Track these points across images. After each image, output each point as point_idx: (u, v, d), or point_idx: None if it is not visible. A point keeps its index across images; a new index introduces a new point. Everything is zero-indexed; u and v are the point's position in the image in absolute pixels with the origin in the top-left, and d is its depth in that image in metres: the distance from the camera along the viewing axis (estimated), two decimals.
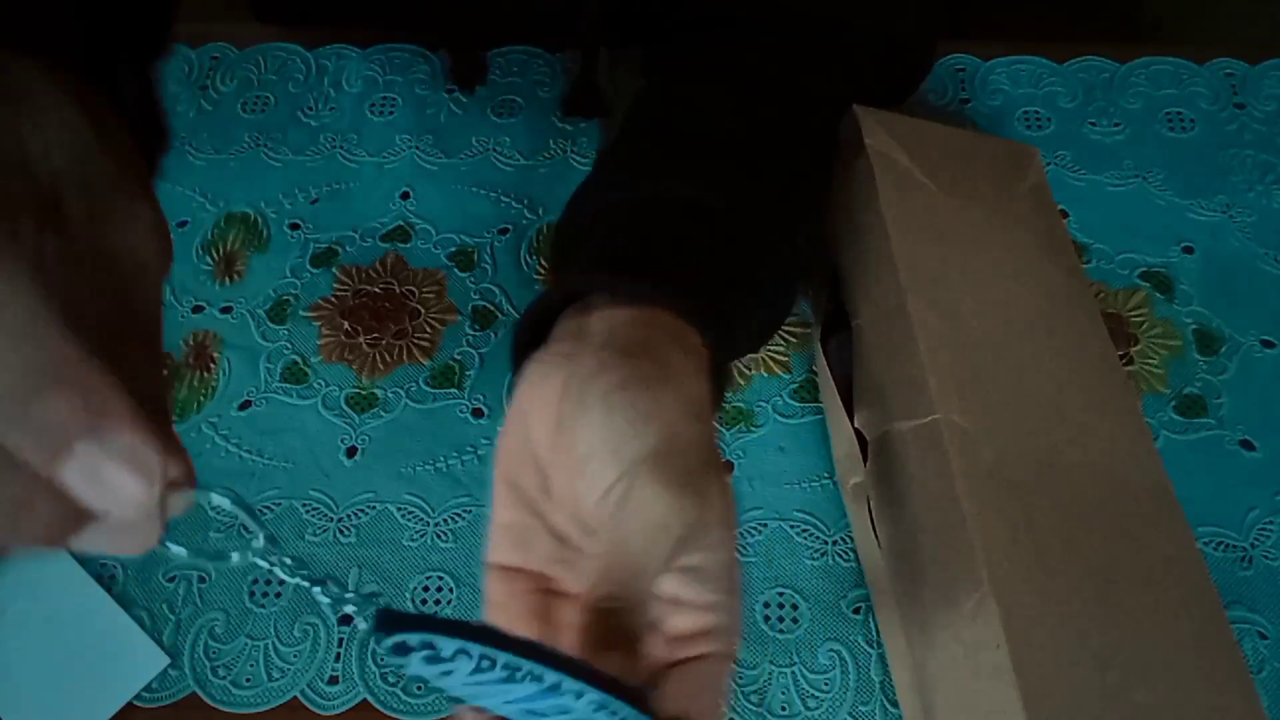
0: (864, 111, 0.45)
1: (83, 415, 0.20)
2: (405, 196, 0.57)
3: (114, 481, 0.20)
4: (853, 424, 0.43)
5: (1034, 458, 0.37)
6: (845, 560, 0.45)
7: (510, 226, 0.56)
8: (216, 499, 0.23)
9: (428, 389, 0.51)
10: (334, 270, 0.54)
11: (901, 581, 0.39)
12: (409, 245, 0.55)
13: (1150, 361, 0.50)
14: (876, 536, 0.42)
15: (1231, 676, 0.34)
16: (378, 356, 0.52)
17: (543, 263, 0.54)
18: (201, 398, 0.51)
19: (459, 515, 0.47)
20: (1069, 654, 0.33)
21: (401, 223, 0.56)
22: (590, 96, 0.57)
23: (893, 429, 0.39)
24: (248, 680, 0.44)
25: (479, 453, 0.49)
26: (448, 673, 0.23)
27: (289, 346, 0.52)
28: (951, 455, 0.36)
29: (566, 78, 0.60)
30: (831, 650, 0.44)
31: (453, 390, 0.51)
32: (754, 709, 0.42)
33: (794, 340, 0.51)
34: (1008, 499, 0.36)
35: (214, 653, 0.44)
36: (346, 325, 0.53)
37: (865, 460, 0.42)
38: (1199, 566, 0.37)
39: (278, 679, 0.44)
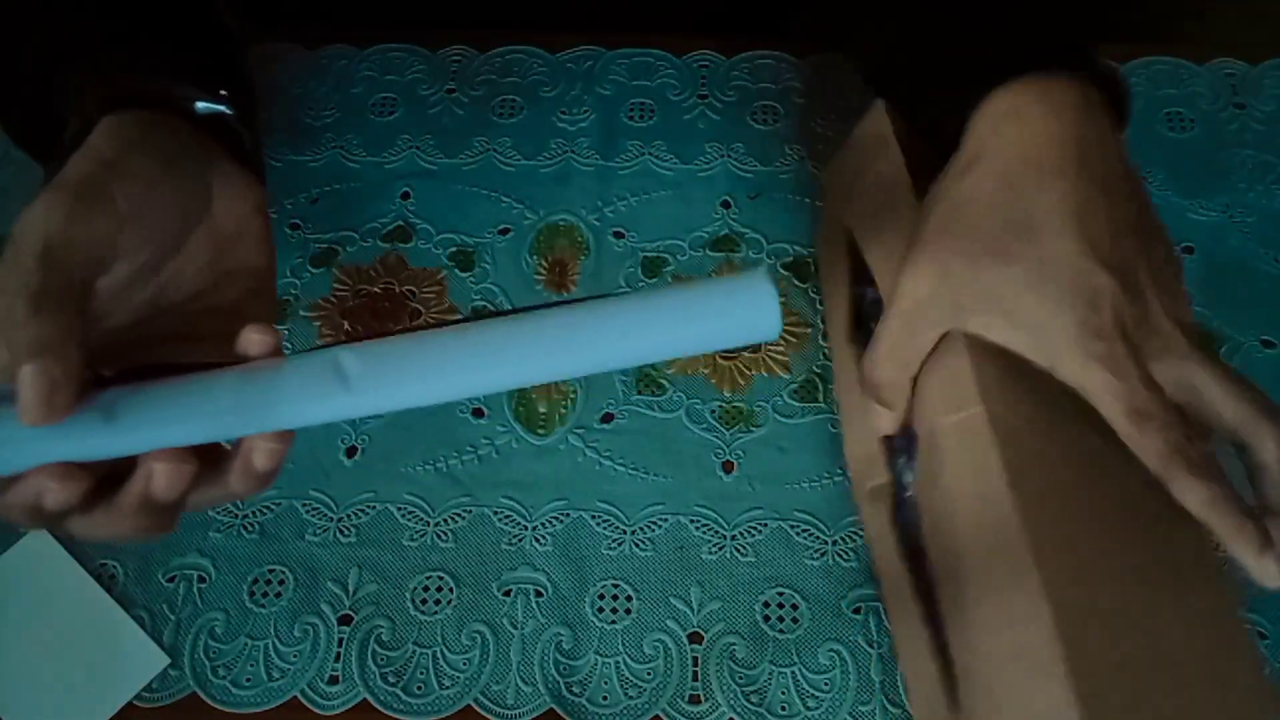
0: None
1: None
2: (405, 196, 0.57)
3: None
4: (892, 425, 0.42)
5: (1079, 450, 0.37)
6: (845, 560, 0.45)
7: (510, 227, 0.55)
8: None
9: None
10: (334, 270, 0.54)
11: (950, 582, 0.39)
12: (409, 245, 0.55)
13: None
14: (898, 536, 0.41)
15: (1250, 677, 0.34)
16: None
17: (543, 263, 0.54)
18: None
19: (459, 515, 0.47)
20: (1122, 653, 0.33)
21: (401, 223, 0.56)
22: None
23: (938, 423, 0.38)
24: (248, 680, 0.44)
25: (479, 453, 0.49)
26: None
27: (289, 347, 0.52)
28: (998, 448, 0.35)
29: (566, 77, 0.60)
30: (831, 650, 0.44)
31: None
32: (754, 709, 0.42)
33: (794, 340, 0.51)
34: (1055, 494, 0.35)
35: (214, 653, 0.44)
36: (346, 325, 0.53)
37: (888, 460, 0.42)
38: (1219, 565, 0.36)
39: (278, 679, 0.44)
